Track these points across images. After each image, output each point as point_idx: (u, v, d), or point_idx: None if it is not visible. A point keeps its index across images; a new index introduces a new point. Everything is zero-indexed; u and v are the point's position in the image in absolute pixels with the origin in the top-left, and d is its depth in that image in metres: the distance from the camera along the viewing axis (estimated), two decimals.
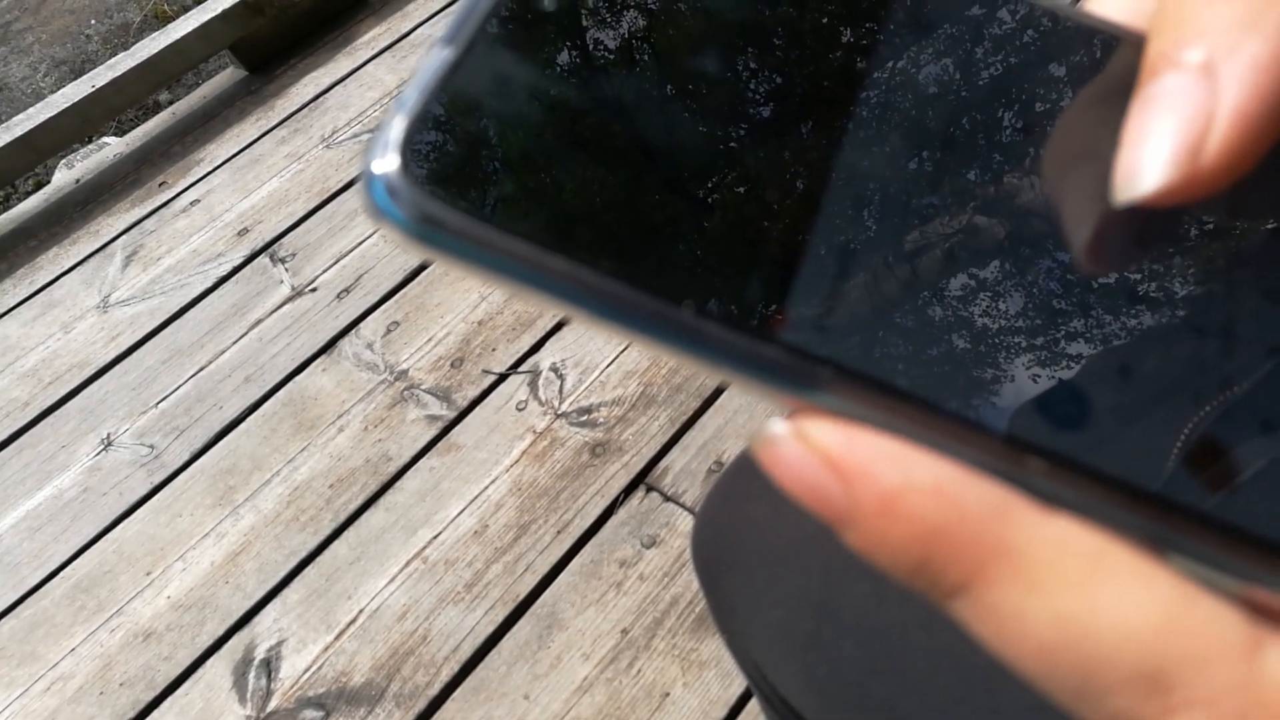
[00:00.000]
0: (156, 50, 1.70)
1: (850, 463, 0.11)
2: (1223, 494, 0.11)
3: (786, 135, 0.13)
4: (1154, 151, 0.11)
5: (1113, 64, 0.14)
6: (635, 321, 0.12)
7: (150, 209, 1.63)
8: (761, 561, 0.47)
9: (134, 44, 1.75)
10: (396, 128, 0.12)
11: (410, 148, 0.12)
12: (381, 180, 0.11)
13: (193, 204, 1.62)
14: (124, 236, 1.60)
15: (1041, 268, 0.12)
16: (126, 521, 1.23)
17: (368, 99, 1.71)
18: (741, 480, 0.50)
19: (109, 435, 1.33)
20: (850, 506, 0.11)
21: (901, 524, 0.11)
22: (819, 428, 0.11)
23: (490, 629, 1.06)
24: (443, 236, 0.11)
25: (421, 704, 1.02)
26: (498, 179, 0.12)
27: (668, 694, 0.98)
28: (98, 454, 1.31)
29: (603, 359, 1.25)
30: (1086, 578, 0.11)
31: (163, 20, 2.32)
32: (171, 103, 1.92)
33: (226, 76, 1.84)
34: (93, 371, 1.41)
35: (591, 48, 0.13)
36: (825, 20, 0.14)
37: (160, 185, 1.67)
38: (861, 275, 0.12)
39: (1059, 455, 0.11)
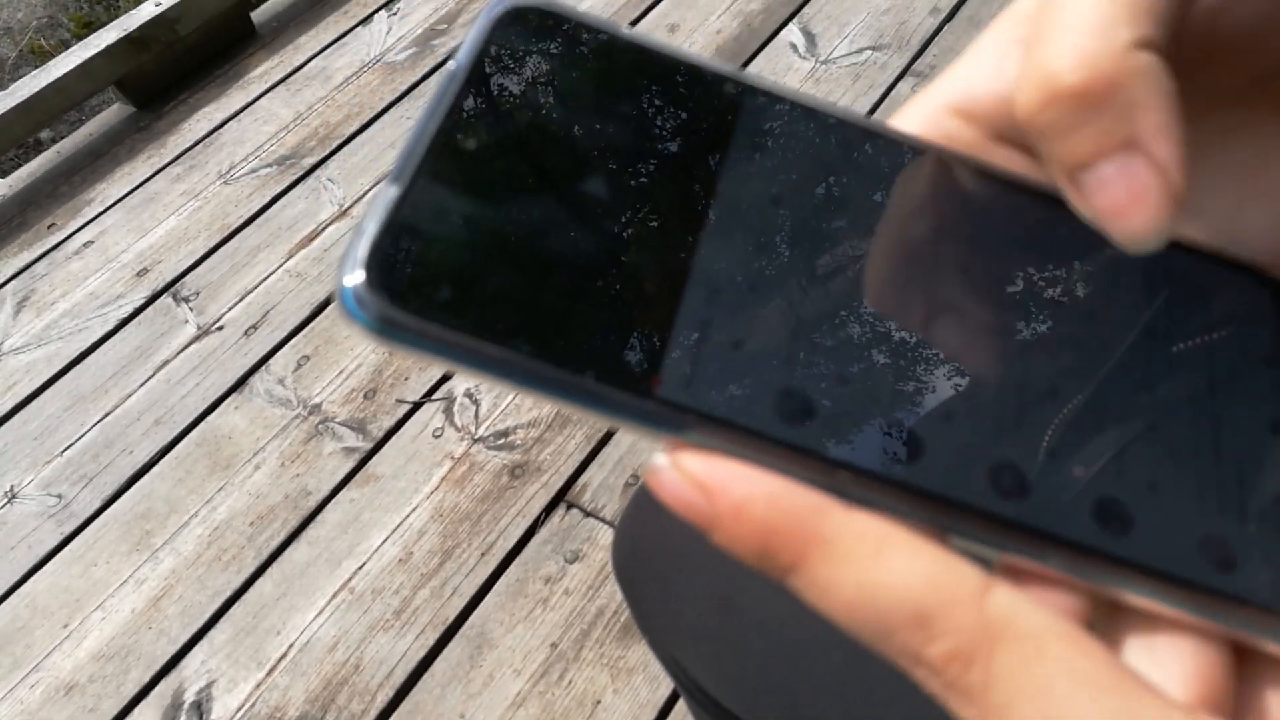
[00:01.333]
0: (37, 89, 1.65)
1: (711, 482, 0.16)
2: (982, 489, 0.17)
3: (655, 246, 0.17)
4: (1147, 212, 0.15)
5: (914, 170, 0.20)
6: (550, 389, 0.16)
7: (40, 252, 1.59)
8: (675, 567, 0.52)
9: (9, 82, 1.70)
10: (360, 249, 0.16)
11: (372, 265, 0.16)
12: (350, 292, 0.16)
13: (86, 245, 1.59)
14: (13, 282, 1.56)
15: (845, 331, 0.18)
16: (38, 574, 1.21)
17: (264, 133, 1.70)
18: (653, 496, 0.56)
19: (12, 488, 1.30)
20: (713, 515, 0.16)
21: (747, 525, 0.15)
22: (688, 458, 0.16)
23: (422, 653, 1.08)
24: (399, 334, 0.16)
25: None
26: (442, 285, 0.16)
27: (599, 701, 1.03)
28: (2, 507, 1.28)
29: None
30: (876, 554, 0.15)
31: (40, 56, 2.25)
32: (55, 141, 1.87)
33: (114, 113, 1.80)
34: None
35: (507, 178, 0.17)
36: (683, 147, 0.19)
37: (49, 227, 1.63)
38: (713, 346, 0.17)
39: (859, 468, 0.16)
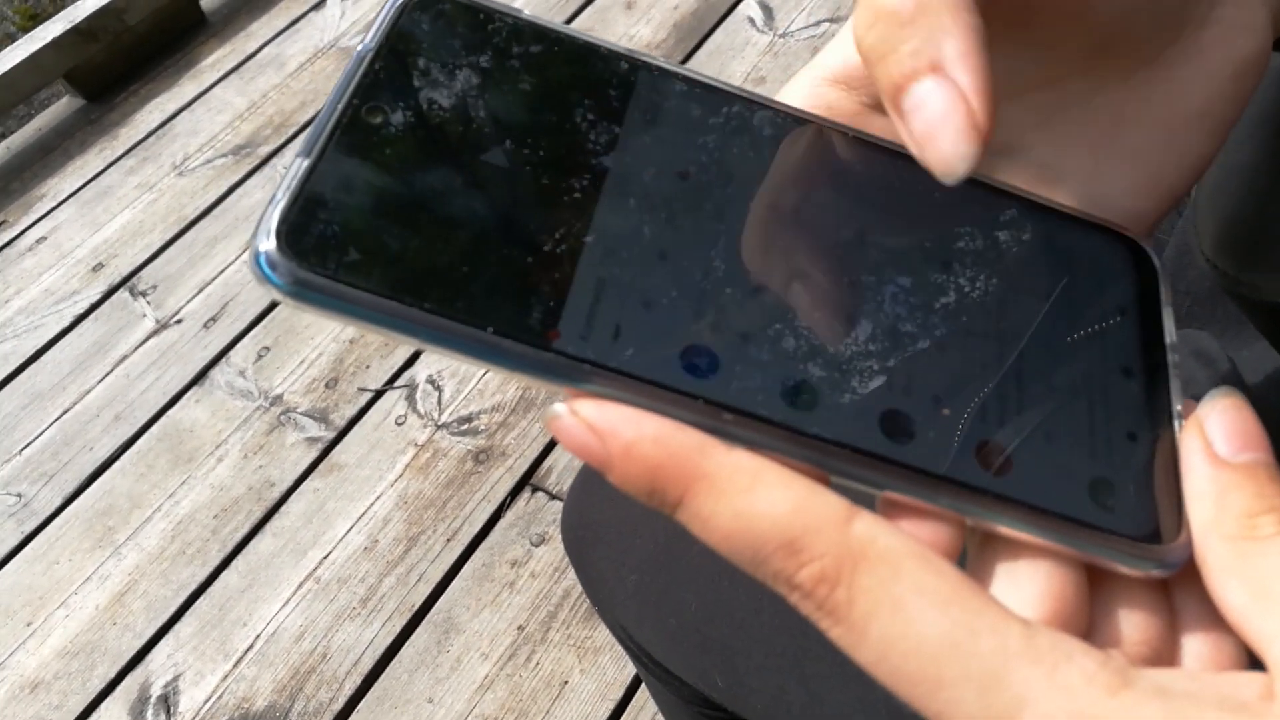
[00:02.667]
0: None
1: (603, 426, 0.17)
2: (856, 430, 0.18)
3: (551, 211, 0.18)
4: (949, 137, 0.16)
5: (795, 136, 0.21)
6: (453, 344, 0.17)
7: None
8: (618, 533, 0.53)
9: None
10: (272, 217, 0.17)
11: (283, 231, 0.17)
12: (263, 256, 0.16)
13: (39, 241, 1.57)
14: None
15: (728, 287, 0.19)
16: None
17: (218, 123, 1.68)
18: None
19: None
20: (606, 455, 0.17)
21: (636, 463, 0.17)
22: (584, 405, 0.17)
23: (389, 640, 1.09)
24: (310, 295, 0.17)
25: (327, 719, 1.04)
26: (349, 249, 0.17)
27: (566, 682, 1.04)
28: None
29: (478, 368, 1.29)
30: (750, 486, 0.16)
31: None
32: (4, 136, 1.84)
33: (63, 106, 1.78)
34: None
35: (408, 149, 0.19)
36: (579, 119, 0.20)
37: (1, 224, 1.61)
38: (606, 302, 0.18)
39: (740, 411, 0.17)
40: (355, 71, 0.19)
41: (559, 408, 0.17)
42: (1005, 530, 0.18)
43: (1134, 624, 0.18)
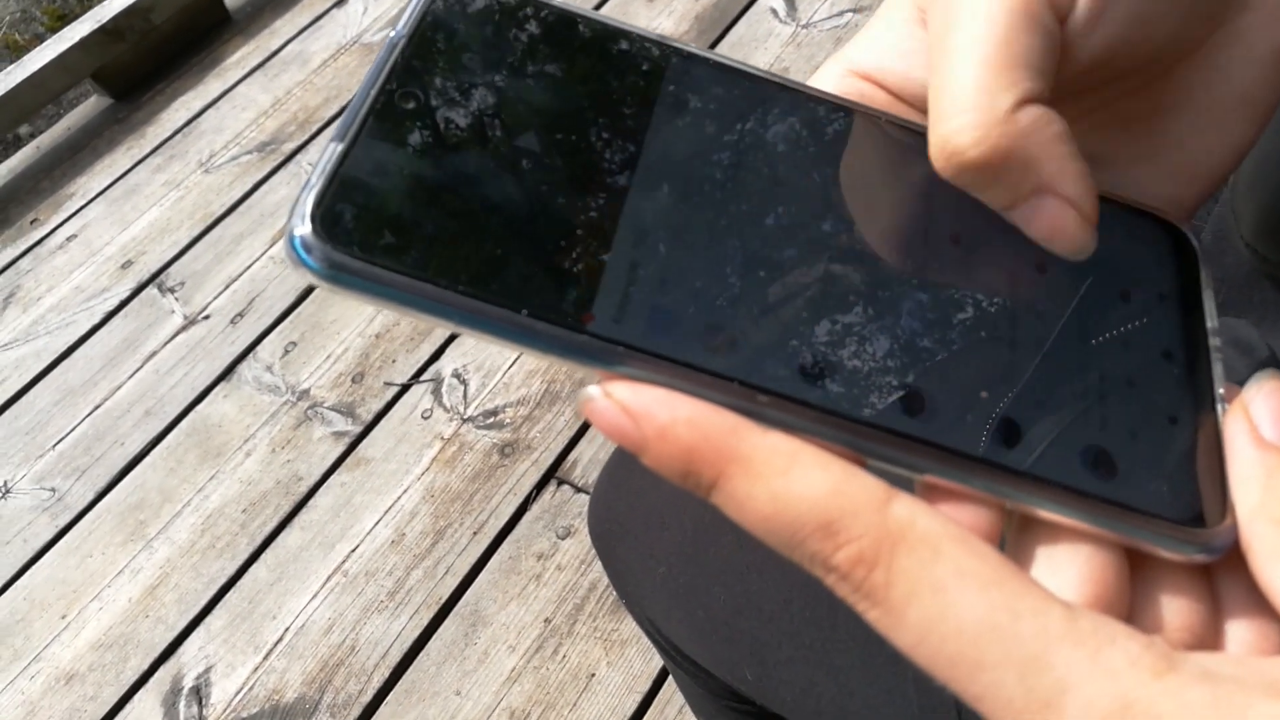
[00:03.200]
0: (14, 84, 1.64)
1: (638, 409, 0.17)
2: (893, 413, 0.18)
3: (586, 196, 0.18)
4: (1070, 231, 0.18)
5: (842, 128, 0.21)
6: (487, 326, 0.17)
7: (24, 248, 1.59)
8: (646, 526, 0.53)
9: None
10: (307, 201, 0.17)
11: (318, 215, 0.17)
12: (298, 240, 0.17)
13: (69, 239, 1.59)
14: None
15: (762, 270, 0.19)
16: (35, 567, 1.22)
17: (243, 120, 1.70)
18: (625, 459, 0.56)
19: (5, 483, 1.31)
20: (641, 438, 0.17)
21: (671, 446, 0.16)
22: (618, 387, 0.17)
23: (416, 633, 1.09)
24: (345, 278, 0.17)
25: (356, 711, 1.05)
26: (383, 232, 0.17)
27: (593, 674, 1.04)
28: None
29: (504, 361, 1.29)
30: (787, 468, 0.16)
31: (15, 51, 2.23)
32: (34, 136, 1.86)
33: (91, 105, 1.80)
34: None
35: (441, 134, 0.19)
36: (612, 104, 0.20)
37: (32, 223, 1.63)
38: (640, 284, 0.18)
39: (776, 393, 0.17)
40: (388, 58, 0.19)
41: (593, 390, 0.17)
42: (1045, 514, 0.18)
43: (1176, 609, 0.18)
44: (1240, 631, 0.18)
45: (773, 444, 0.17)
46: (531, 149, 0.19)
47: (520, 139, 0.19)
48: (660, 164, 0.19)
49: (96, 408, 1.36)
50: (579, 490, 1.18)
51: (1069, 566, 0.18)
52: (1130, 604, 0.18)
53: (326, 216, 0.17)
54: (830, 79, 0.23)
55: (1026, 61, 0.17)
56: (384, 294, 0.17)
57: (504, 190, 0.18)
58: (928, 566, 0.16)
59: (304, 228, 0.17)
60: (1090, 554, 0.18)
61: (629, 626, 1.06)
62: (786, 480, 0.16)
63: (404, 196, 0.17)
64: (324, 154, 0.18)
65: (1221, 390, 0.20)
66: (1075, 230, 0.18)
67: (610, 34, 0.21)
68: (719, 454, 0.16)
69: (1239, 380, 0.20)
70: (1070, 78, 0.20)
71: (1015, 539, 0.19)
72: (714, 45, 1.62)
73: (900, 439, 0.18)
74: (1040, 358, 0.19)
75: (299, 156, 1.62)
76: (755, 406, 0.17)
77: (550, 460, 1.20)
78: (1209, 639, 0.18)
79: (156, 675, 1.11)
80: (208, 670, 1.10)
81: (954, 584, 0.16)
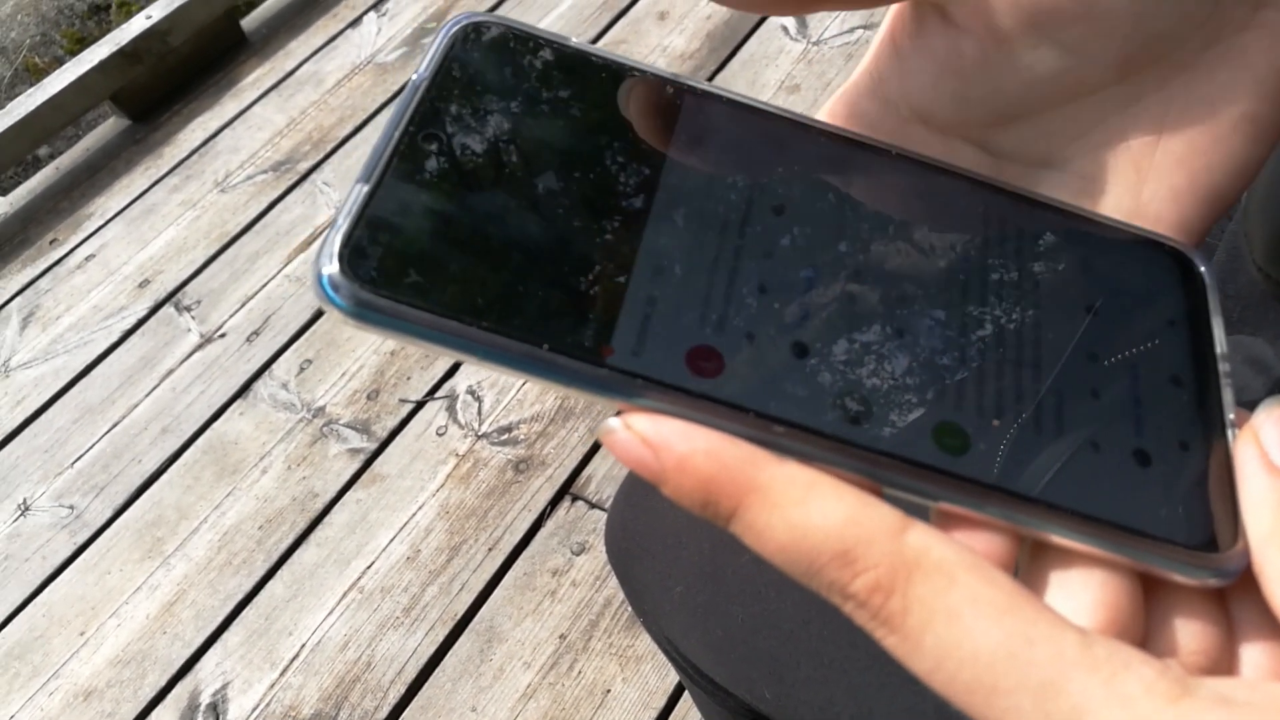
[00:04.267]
0: (34, 107, 1.67)
1: (657, 440, 0.17)
2: (908, 442, 0.18)
3: (603, 232, 0.19)
4: None
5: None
6: (510, 361, 0.17)
7: (43, 268, 1.61)
8: (663, 545, 0.53)
9: (6, 100, 1.72)
10: (335, 241, 0.17)
11: (345, 255, 0.17)
12: (326, 279, 0.17)
13: (88, 259, 1.60)
14: (18, 298, 1.57)
15: (777, 301, 0.19)
16: (54, 584, 1.23)
17: (258, 139, 1.71)
18: (641, 479, 0.57)
19: (25, 500, 1.32)
20: (660, 469, 0.17)
21: (690, 477, 0.17)
22: (638, 419, 0.17)
23: (432, 649, 1.09)
24: (372, 315, 0.17)
25: None
26: (408, 271, 0.17)
27: (609, 690, 1.04)
28: (15, 520, 1.30)
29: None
30: (804, 498, 0.17)
31: (35, 74, 2.26)
32: (53, 157, 1.88)
33: (109, 127, 1.82)
34: (1, 438, 1.39)
35: (463, 174, 0.19)
36: (628, 142, 0.20)
37: (51, 243, 1.64)
38: (658, 318, 0.18)
39: (792, 423, 0.18)
40: (411, 100, 0.20)
41: (613, 422, 0.18)
42: (1058, 540, 0.18)
43: (1190, 633, 0.18)
44: (1255, 655, 0.18)
45: (789, 474, 0.17)
46: (551, 186, 0.19)
47: (539, 177, 0.19)
48: (676, 198, 0.20)
49: (114, 426, 1.37)
50: (593, 506, 1.18)
51: (1083, 592, 0.18)
52: (1145, 628, 0.18)
53: (353, 256, 0.17)
54: (845, 104, 0.23)
55: None
56: (410, 330, 0.17)
57: (525, 228, 0.19)
58: (943, 594, 0.16)
59: (331, 267, 0.17)
60: (1104, 579, 0.18)
61: (644, 642, 1.06)
62: (804, 510, 0.17)
63: (428, 235, 0.18)
64: (350, 195, 0.18)
65: (1232, 415, 0.20)
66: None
67: (627, 73, 0.21)
68: (737, 485, 0.17)
69: (1254, 397, 0.20)
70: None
71: (1029, 564, 0.19)
72: (725, 62, 1.62)
73: (915, 467, 0.18)
74: (1051, 384, 0.19)
75: (314, 176, 1.63)
76: (772, 437, 0.18)
77: (565, 476, 1.21)
78: (1223, 663, 0.18)
79: (174, 691, 1.12)
80: (225, 686, 1.11)
81: (969, 611, 0.16)
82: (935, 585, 0.16)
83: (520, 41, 0.21)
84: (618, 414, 0.18)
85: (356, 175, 0.19)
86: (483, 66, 0.21)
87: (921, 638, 0.16)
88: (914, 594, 0.16)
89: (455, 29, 0.21)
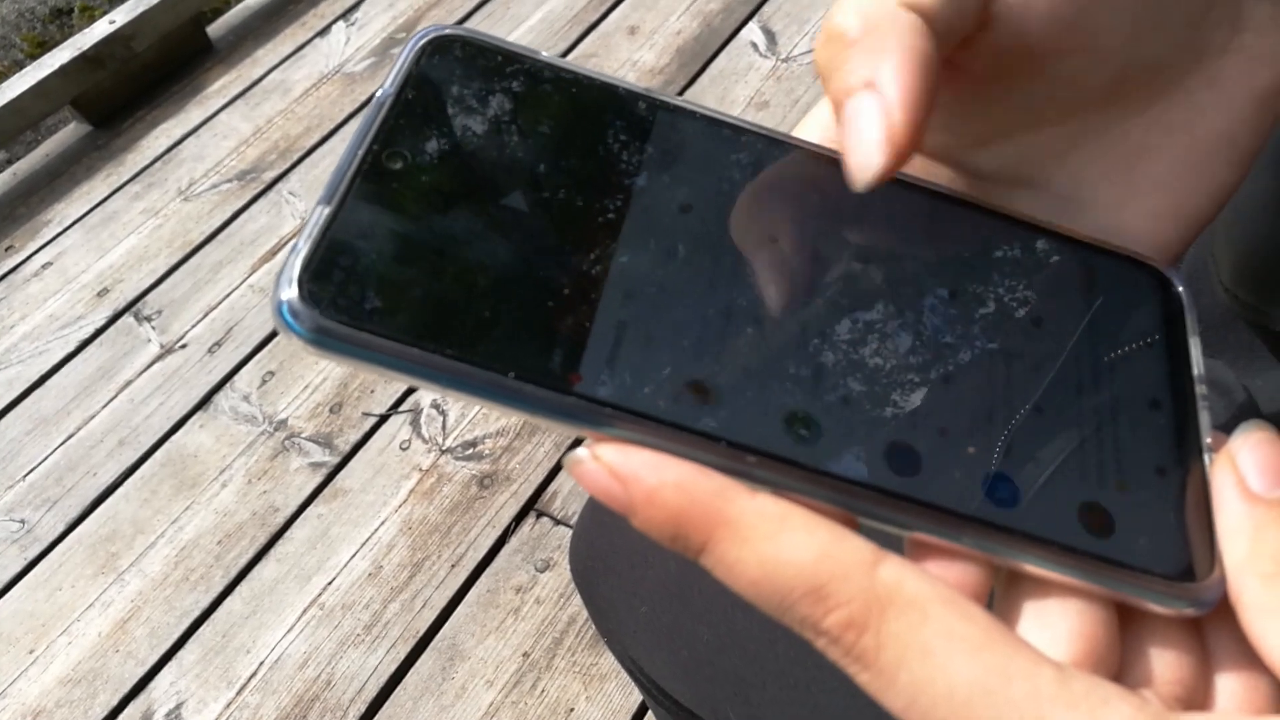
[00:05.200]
0: None
1: (626, 472, 0.17)
2: (879, 471, 0.18)
3: (570, 255, 0.18)
4: (865, 147, 0.17)
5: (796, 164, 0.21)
6: (474, 389, 0.17)
7: None
8: (629, 564, 0.52)
9: None
10: (294, 265, 0.17)
11: (304, 280, 0.17)
12: (285, 305, 0.16)
13: (44, 267, 1.57)
14: None
15: (748, 327, 0.19)
16: (2, 601, 1.19)
17: (223, 148, 1.69)
18: None
19: None
20: (629, 501, 0.17)
21: (660, 509, 0.16)
22: (606, 449, 0.17)
23: (393, 667, 1.08)
24: (332, 343, 0.16)
25: None
26: (370, 297, 0.17)
27: (572, 709, 1.03)
28: None
29: None
30: (775, 532, 0.16)
31: None
32: (11, 162, 1.85)
33: (70, 132, 1.78)
34: None
35: (428, 195, 0.18)
36: (596, 160, 0.20)
37: (7, 249, 1.61)
38: (626, 345, 0.18)
39: (762, 453, 0.17)
40: (375, 117, 0.19)
41: (581, 453, 0.17)
42: (1033, 569, 0.18)
43: (1166, 663, 0.18)
44: (1230, 684, 0.18)
45: (760, 507, 0.16)
46: (518, 208, 0.19)
47: (506, 199, 0.19)
48: (646, 222, 0.19)
49: (69, 437, 1.34)
50: (558, 522, 1.17)
51: (1059, 622, 0.17)
52: (1120, 658, 0.18)
53: (313, 281, 0.17)
54: (819, 124, 0.23)
55: None
56: (371, 359, 0.17)
57: (490, 252, 0.18)
58: (916, 630, 0.16)
59: (290, 292, 0.17)
60: (1080, 609, 0.18)
61: (608, 661, 1.05)
62: (775, 545, 0.16)
63: (391, 260, 0.17)
64: (311, 217, 0.18)
65: (1209, 440, 0.20)
66: (872, 147, 0.17)
67: (597, 88, 0.21)
68: (707, 518, 0.16)
69: (1216, 421, 0.20)
70: (1044, 87, 0.20)
71: (1004, 594, 0.19)
72: (695, 78, 1.63)
73: (889, 498, 0.18)
74: (1025, 409, 0.19)
75: (279, 185, 1.61)
76: (744, 467, 0.17)
77: (529, 492, 1.19)
78: (1199, 692, 0.18)
79: (126, 711, 1.09)
80: (179, 706, 1.08)
81: (943, 647, 0.15)
82: (909, 621, 0.16)
83: (489, 55, 0.20)
84: (579, 442, 0.17)
85: (319, 196, 0.18)
86: (450, 82, 0.20)
87: (895, 674, 0.16)
88: (887, 630, 0.16)
89: (422, 42, 0.20)
